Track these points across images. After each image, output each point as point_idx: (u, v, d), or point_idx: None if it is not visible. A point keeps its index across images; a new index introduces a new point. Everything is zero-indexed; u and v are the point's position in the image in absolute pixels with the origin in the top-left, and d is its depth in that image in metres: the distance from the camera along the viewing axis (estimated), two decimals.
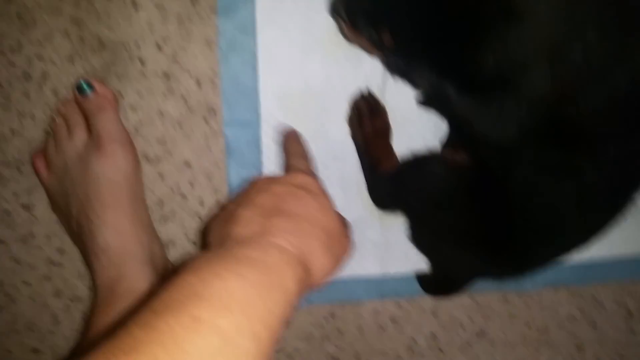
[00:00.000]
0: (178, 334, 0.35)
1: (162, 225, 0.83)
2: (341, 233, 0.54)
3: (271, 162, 0.80)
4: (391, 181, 0.77)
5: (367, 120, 0.77)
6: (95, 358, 0.35)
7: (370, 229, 0.86)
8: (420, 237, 0.80)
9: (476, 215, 0.67)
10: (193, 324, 0.36)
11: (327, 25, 0.75)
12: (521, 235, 0.66)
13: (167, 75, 0.77)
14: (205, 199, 0.83)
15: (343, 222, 0.55)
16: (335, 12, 0.70)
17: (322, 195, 0.55)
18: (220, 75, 0.76)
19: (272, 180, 0.57)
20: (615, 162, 0.61)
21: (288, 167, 0.67)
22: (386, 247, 0.86)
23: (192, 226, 0.84)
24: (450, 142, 0.78)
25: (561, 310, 0.97)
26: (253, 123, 0.78)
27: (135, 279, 0.74)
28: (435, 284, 0.89)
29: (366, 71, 0.77)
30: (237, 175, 0.81)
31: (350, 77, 0.77)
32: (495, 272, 0.76)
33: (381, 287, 0.89)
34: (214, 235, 0.55)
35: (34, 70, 0.77)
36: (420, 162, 0.75)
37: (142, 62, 0.76)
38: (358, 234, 0.86)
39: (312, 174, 0.60)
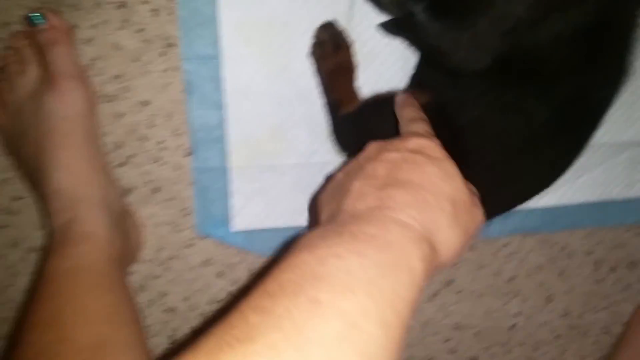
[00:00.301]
0: (297, 318, 0.32)
1: (120, 169, 0.80)
2: (470, 202, 0.46)
3: (234, 101, 0.77)
4: (352, 122, 0.75)
5: (330, 54, 0.75)
6: (208, 346, 0.32)
7: None
8: None
9: None
10: (312, 306, 0.32)
11: None
12: (477, 178, 0.64)
13: (122, 5, 0.73)
14: (166, 141, 0.80)
15: (471, 190, 0.48)
16: None
17: (444, 160, 0.47)
18: (178, 4, 0.72)
19: (384, 145, 0.49)
20: (568, 100, 0.60)
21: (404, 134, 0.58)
22: None
23: (152, 171, 0.81)
24: (413, 84, 0.76)
25: (530, 259, 0.97)
26: (213, 57, 0.74)
27: (90, 222, 0.70)
28: None
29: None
30: (198, 115, 0.77)
31: (315, 4, 0.74)
32: None
33: None
34: (324, 210, 0.48)
35: None
36: (380, 103, 0.72)
37: None
38: (323, 180, 0.84)
39: (431, 137, 0.53)
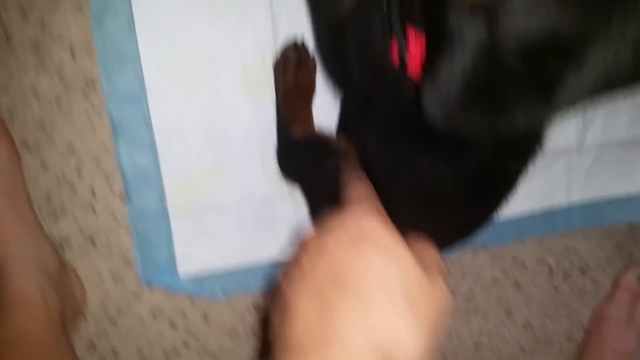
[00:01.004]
0: None
1: (53, 222, 0.76)
2: (426, 283, 0.42)
3: (165, 139, 0.75)
4: (297, 150, 0.73)
5: (291, 71, 0.73)
6: None
7: (281, 207, 0.82)
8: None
9: None
10: None
11: None
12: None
13: (37, 47, 0.70)
14: (97, 186, 0.76)
15: (426, 262, 0.43)
16: None
17: (388, 242, 0.42)
18: (96, 42, 0.69)
19: (325, 237, 0.44)
20: (479, 171, 0.57)
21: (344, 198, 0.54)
22: (300, 225, 0.82)
23: (87, 220, 0.77)
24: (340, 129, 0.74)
25: (483, 273, 0.96)
26: (138, 95, 0.72)
27: (23, 284, 0.66)
28: None
29: (255, 26, 0.73)
30: (128, 157, 0.74)
31: (238, 35, 0.73)
32: None
33: None
34: (275, 338, 0.45)
35: None
36: (320, 151, 0.69)
37: (7, 33, 0.69)
38: (268, 213, 0.82)
39: (370, 207, 0.48)
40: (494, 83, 0.38)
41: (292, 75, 0.73)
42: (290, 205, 0.82)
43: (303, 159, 0.73)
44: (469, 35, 0.36)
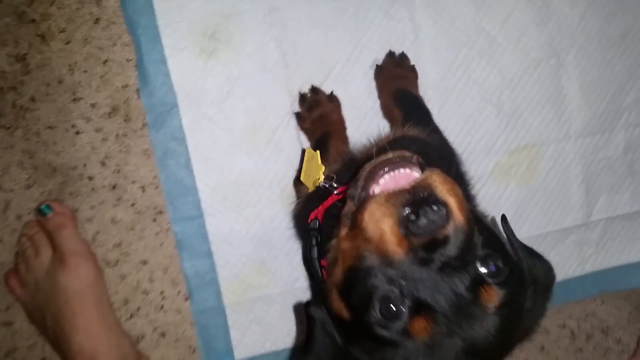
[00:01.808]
0: None
1: (130, 321, 0.91)
2: None
3: (219, 249, 0.89)
4: None
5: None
6: None
7: None
8: None
9: None
10: None
11: (246, 123, 0.87)
12: None
13: (114, 187, 0.87)
14: (165, 290, 0.91)
15: None
16: None
17: None
18: (161, 180, 0.86)
19: None
20: None
21: None
22: None
23: (158, 319, 0.92)
24: None
25: None
26: (197, 217, 0.88)
27: None
28: None
29: (286, 154, 0.89)
30: (190, 265, 0.90)
31: (273, 162, 0.89)
32: None
33: None
34: None
35: None
36: None
37: (90, 179, 0.86)
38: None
39: None
40: None
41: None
42: None
43: None
44: None
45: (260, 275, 0.92)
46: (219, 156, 0.87)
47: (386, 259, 0.49)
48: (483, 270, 0.50)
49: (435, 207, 0.48)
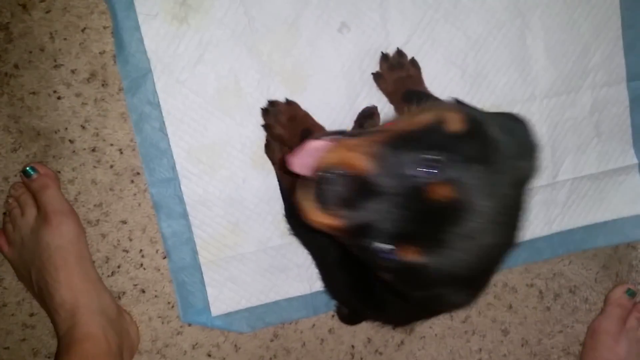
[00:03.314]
0: None
1: (111, 279, 0.96)
2: None
3: (195, 210, 0.94)
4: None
5: (278, 148, 0.91)
6: None
7: (293, 254, 0.99)
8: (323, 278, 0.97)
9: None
10: None
11: (217, 87, 0.91)
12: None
13: (93, 149, 0.91)
14: (144, 249, 0.96)
15: None
16: None
17: None
18: (137, 143, 0.90)
19: None
20: None
21: None
22: (311, 267, 0.99)
23: (138, 275, 0.97)
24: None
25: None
26: (172, 179, 0.92)
27: (89, 325, 0.87)
28: (347, 317, 1.04)
29: (257, 117, 0.93)
30: (167, 226, 0.94)
31: (244, 125, 0.93)
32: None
33: (313, 303, 1.02)
34: None
35: None
36: None
37: (71, 142, 0.91)
38: (280, 260, 0.99)
39: None
40: None
41: (279, 152, 0.90)
42: (298, 251, 0.99)
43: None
44: None
45: (235, 235, 0.97)
46: (192, 120, 0.91)
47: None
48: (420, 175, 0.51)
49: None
